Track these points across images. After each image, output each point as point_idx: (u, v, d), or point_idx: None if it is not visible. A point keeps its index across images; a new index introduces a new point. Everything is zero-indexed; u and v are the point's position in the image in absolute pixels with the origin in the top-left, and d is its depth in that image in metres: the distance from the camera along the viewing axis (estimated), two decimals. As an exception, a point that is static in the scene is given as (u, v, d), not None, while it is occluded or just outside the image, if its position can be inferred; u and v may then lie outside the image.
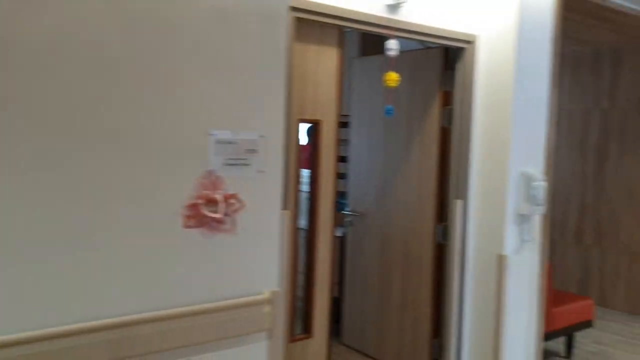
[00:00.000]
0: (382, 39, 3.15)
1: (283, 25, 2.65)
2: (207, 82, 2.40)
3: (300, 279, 3.21)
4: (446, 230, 3.73)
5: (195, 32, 2.37)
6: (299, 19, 2.79)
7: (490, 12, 3.56)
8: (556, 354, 4.63)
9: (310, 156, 3.19)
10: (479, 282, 3.66)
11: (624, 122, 5.84)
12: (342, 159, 4.61)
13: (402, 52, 3.41)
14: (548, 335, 4.20)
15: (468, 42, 3.52)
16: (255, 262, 2.63)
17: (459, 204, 3.65)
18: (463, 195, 3.65)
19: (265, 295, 2.64)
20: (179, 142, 2.35)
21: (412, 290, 3.93)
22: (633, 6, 4.51)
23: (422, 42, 3.48)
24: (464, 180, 3.64)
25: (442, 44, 3.47)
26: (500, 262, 3.53)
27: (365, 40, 4.61)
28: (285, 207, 2.74)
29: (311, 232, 3.16)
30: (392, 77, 3.14)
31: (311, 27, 2.96)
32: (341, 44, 3.12)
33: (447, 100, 3.71)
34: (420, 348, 3.87)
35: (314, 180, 3.14)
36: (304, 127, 3.21)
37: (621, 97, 5.88)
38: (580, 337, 4.84)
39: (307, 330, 3.20)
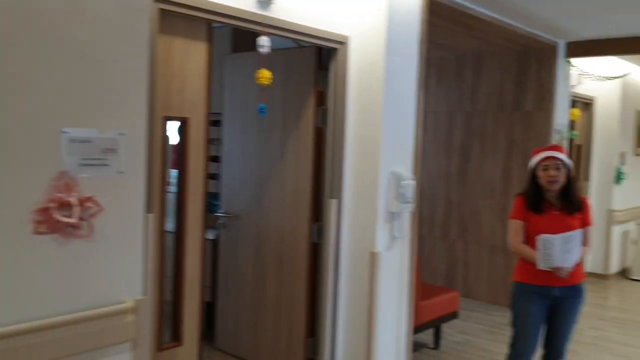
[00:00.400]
0: (255, 35, 3.08)
1: (146, 17, 2.49)
2: (60, 75, 2.19)
3: (169, 284, 3.05)
4: (321, 230, 3.74)
5: (46, 21, 2.15)
6: (163, 11, 2.64)
7: (361, 14, 3.61)
8: (425, 346, 4.83)
9: (178, 155, 3.04)
10: (353, 280, 3.70)
11: (485, 125, 6.23)
12: (214, 159, 4.48)
13: (276, 49, 3.36)
14: (417, 328, 4.36)
15: (340, 42, 3.54)
16: (116, 269, 2.45)
17: (333, 203, 3.67)
18: (337, 194, 3.67)
19: (128, 303, 2.47)
20: (26, 140, 2.12)
21: (287, 291, 3.89)
22: (493, 14, 4.81)
23: (295, 40, 3.45)
24: (339, 179, 3.66)
25: (315, 44, 3.46)
26: (372, 259, 3.59)
27: (237, 36, 4.51)
28: (149, 210, 2.58)
29: (179, 235, 3.02)
30: (265, 75, 3.08)
31: (178, 20, 2.82)
32: (210, 38, 3.00)
33: (322, 100, 3.72)
34: (296, 348, 3.85)
35: (181, 181, 2.99)
36: (175, 126, 3.05)
37: (482, 101, 6.26)
38: (446, 327, 5.08)
39: (176, 337, 3.05)
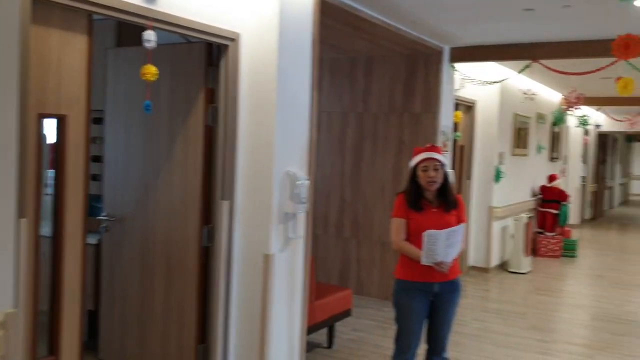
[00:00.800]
0: (141, 29, 2.92)
1: (15, 5, 2.28)
2: None
3: (46, 293, 2.82)
4: (212, 232, 3.63)
5: None
6: (37, 0, 2.43)
7: (253, 11, 3.55)
8: (319, 345, 4.85)
9: (56, 155, 2.82)
10: (246, 283, 3.63)
11: (376, 126, 6.38)
12: (96, 159, 4.22)
13: (163, 44, 3.21)
14: (311, 328, 4.36)
15: (231, 39, 3.46)
16: (-18, 281, 2.22)
17: (225, 204, 3.58)
18: (229, 195, 3.58)
19: (-5, 319, 2.26)
20: None
21: (176, 296, 3.75)
22: (383, 18, 4.92)
23: (183, 35, 3.33)
24: (230, 180, 3.58)
25: (204, 39, 3.35)
26: (266, 261, 3.54)
27: (122, 30, 4.28)
28: (22, 214, 2.37)
29: (57, 240, 2.80)
30: (151, 71, 2.94)
31: (54, 10, 2.61)
32: (91, 31, 2.81)
33: (212, 97, 3.61)
34: (186, 355, 3.71)
35: (59, 183, 2.78)
36: (53, 123, 2.83)
37: (374, 103, 6.41)
38: (340, 326, 5.14)
39: (53, 350, 2.84)
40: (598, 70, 5.76)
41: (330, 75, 6.61)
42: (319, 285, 4.81)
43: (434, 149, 3.47)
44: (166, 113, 3.74)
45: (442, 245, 3.21)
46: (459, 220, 3.42)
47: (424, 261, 3.24)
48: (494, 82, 7.06)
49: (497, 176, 7.89)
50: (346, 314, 4.93)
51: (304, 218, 3.86)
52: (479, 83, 6.94)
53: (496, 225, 8.08)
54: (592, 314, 6.31)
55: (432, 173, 3.35)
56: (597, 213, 15.38)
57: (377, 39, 5.53)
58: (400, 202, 3.44)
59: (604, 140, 15.97)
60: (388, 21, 5.01)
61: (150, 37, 2.88)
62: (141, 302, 3.89)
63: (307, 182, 3.72)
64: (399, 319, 3.47)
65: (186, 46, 3.67)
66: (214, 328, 3.63)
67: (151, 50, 2.91)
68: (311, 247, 4.03)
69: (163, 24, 3.01)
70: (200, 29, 3.23)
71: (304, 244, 3.89)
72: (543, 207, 9.57)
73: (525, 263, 8.09)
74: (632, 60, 4.95)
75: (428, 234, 3.18)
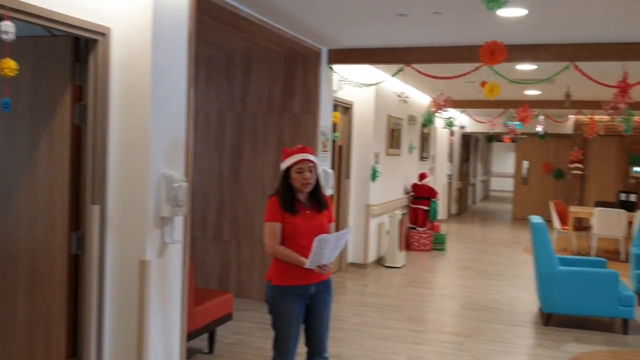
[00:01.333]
0: (-3, 19, 2.65)
1: None
2: None
3: None
4: (82, 239, 3.40)
5: None
6: None
7: (124, 5, 3.36)
8: (199, 351, 4.72)
9: None
10: (121, 292, 3.44)
11: (256, 125, 6.33)
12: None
13: (24, 37, 2.95)
14: (192, 334, 4.23)
15: (100, 33, 3.25)
16: None
17: (95, 209, 3.36)
18: (100, 199, 3.37)
19: None
20: None
21: (42, 308, 3.45)
22: (262, 17, 4.88)
23: (46, 28, 3.07)
24: (101, 183, 3.37)
25: (70, 33, 3.12)
26: (142, 268, 3.38)
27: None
28: None
29: None
30: (9, 65, 2.68)
31: None
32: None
33: (80, 95, 3.38)
34: (55, 373, 3.44)
35: None
36: None
37: (252, 102, 6.35)
38: (221, 330, 5.03)
39: None
40: (464, 74, 6.12)
41: (207, 73, 6.46)
42: (199, 290, 4.69)
43: (306, 149, 3.40)
44: (28, 111, 3.43)
45: (330, 249, 3.21)
46: (330, 220, 3.44)
47: (309, 265, 3.22)
48: (370, 85, 7.28)
49: (374, 175, 8.16)
50: (227, 317, 4.84)
51: (182, 221, 3.72)
52: (356, 85, 7.12)
53: (373, 223, 8.35)
54: (460, 303, 6.72)
55: (307, 174, 3.32)
56: (462, 208, 16.46)
57: (256, 38, 5.49)
58: (274, 205, 3.35)
59: (468, 141, 17.12)
60: (267, 20, 4.98)
61: (8, 28, 2.62)
62: (1, 317, 3.55)
63: (184, 184, 3.59)
64: (276, 325, 3.39)
65: (50, 40, 3.39)
66: (86, 341, 3.39)
67: (9, 43, 2.65)
68: (189, 251, 3.90)
69: (22, 14, 2.76)
70: (66, 22, 3.00)
71: (182, 248, 3.76)
72: (415, 204, 10.05)
73: (399, 257, 8.44)
74: (495, 67, 5.32)
75: (320, 239, 3.13)
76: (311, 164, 3.35)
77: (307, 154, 3.36)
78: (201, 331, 4.46)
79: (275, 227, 3.32)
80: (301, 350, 3.50)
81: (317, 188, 3.40)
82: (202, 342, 4.72)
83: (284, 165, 3.39)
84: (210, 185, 6.43)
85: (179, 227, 3.69)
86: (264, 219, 3.39)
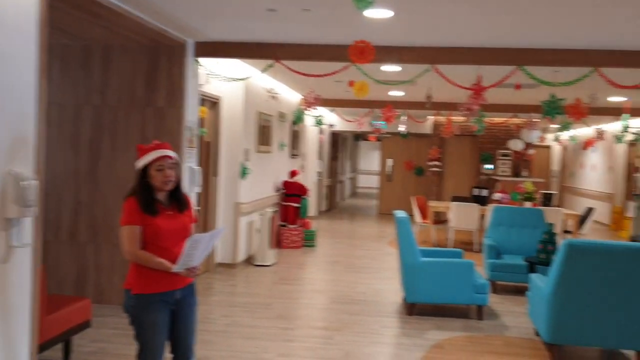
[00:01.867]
0: None
1: None
2: None
3: None
4: None
5: None
6: None
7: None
8: (54, 364, 4.35)
9: None
10: (-45, 304, 3.05)
11: (116, 120, 5.96)
12: None
13: None
14: (44, 345, 3.90)
15: None
16: None
17: None
18: None
19: None
20: None
21: None
22: (122, 5, 4.58)
23: None
24: None
25: None
26: (-18, 276, 3.02)
27: None
28: None
29: None
30: None
31: None
32: None
33: None
34: None
35: None
36: None
37: (113, 95, 5.97)
38: (78, 339, 4.67)
39: None
40: (333, 73, 6.22)
41: (62, 63, 5.98)
42: (52, 297, 4.32)
43: (163, 145, 3.22)
44: None
45: (202, 249, 3.05)
46: (191, 220, 3.30)
47: (178, 268, 3.04)
48: (239, 79, 7.16)
49: (243, 172, 8.05)
50: (85, 325, 4.51)
51: (32, 223, 3.39)
52: (224, 79, 6.97)
53: (243, 221, 8.24)
54: (330, 297, 6.82)
55: (168, 172, 3.15)
56: (332, 205, 16.85)
57: (116, 27, 5.16)
58: (132, 206, 3.12)
59: (336, 139, 17.56)
60: (127, 9, 4.69)
61: None
62: None
63: (34, 183, 3.27)
64: (140, 337, 3.16)
65: None
66: None
67: None
68: (41, 256, 3.56)
69: None
70: None
71: (31, 252, 3.42)
72: (286, 201, 10.09)
73: (270, 255, 8.41)
74: (362, 67, 5.44)
75: (192, 239, 2.97)
76: (173, 161, 3.19)
77: (166, 150, 3.19)
78: (55, 341, 4.12)
79: (134, 231, 3.10)
80: (167, 355, 3.33)
81: (177, 187, 3.24)
82: (56, 352, 4.37)
83: (141, 163, 3.19)
84: (65, 184, 5.95)
85: (27, 230, 3.35)
86: (121, 222, 3.15)
